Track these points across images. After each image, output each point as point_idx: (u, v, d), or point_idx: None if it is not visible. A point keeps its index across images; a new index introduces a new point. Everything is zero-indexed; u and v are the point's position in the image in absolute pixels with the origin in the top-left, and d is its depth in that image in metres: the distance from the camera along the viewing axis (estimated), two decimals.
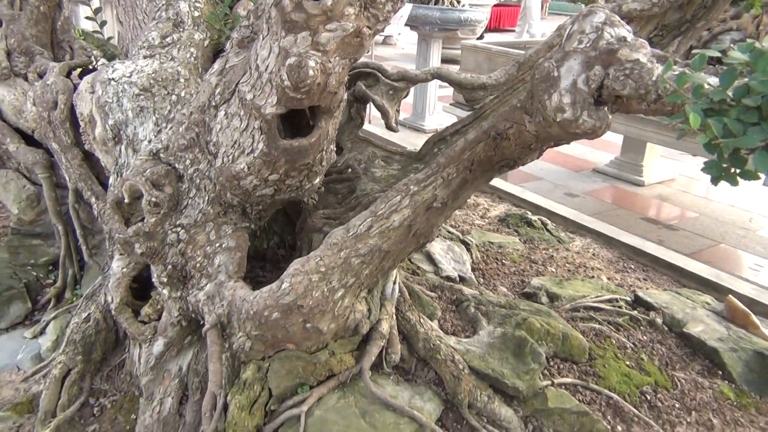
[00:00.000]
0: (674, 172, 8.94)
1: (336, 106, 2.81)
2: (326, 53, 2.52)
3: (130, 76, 3.63)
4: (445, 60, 13.12)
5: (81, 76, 4.38)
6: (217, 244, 3.11)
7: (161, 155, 3.11)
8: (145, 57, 3.82)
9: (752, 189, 8.43)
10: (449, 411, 3.38)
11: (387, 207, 2.94)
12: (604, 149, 9.15)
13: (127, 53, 4.32)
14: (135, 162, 3.13)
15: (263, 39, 2.61)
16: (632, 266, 5.69)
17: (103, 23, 4.88)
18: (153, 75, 3.63)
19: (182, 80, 3.70)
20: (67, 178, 4.09)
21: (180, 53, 3.85)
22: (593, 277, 5.31)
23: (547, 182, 7.58)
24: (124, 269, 3.28)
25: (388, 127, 3.76)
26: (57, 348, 3.94)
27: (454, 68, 3.74)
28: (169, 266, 3.17)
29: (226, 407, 3.02)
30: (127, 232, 3.03)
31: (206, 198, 3.07)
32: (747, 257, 6.54)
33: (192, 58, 3.88)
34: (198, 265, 3.12)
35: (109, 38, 4.94)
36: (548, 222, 6.35)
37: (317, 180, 3.10)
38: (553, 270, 5.42)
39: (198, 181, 3.07)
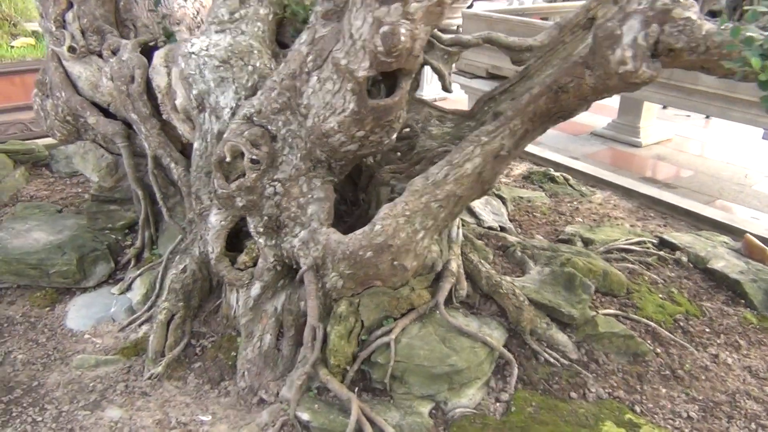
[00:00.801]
0: (670, 132, 9.29)
1: (416, 68, 3.19)
2: (414, 21, 2.90)
3: (208, 50, 3.98)
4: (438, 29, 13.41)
5: (144, 52, 4.71)
6: (309, 196, 3.51)
7: (254, 118, 3.49)
8: (216, 32, 4.16)
9: (747, 146, 8.87)
10: (512, 338, 3.83)
11: (461, 156, 3.34)
12: (600, 113, 9.39)
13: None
14: (231, 125, 3.51)
15: (356, 10, 2.98)
16: (651, 214, 6.15)
17: (156, 2, 5.19)
18: (229, 48, 3.98)
19: (255, 52, 4.06)
20: (146, 146, 4.46)
21: (248, 27, 4.19)
22: (618, 225, 5.75)
23: (547, 147, 7.93)
24: (223, 222, 3.68)
25: (444, 88, 4.15)
26: (146, 301, 4.36)
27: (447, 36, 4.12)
28: (265, 217, 3.57)
29: (325, 338, 3.45)
30: (230, 186, 3.43)
31: (298, 155, 3.46)
32: (744, 211, 6.91)
33: (260, 32, 4.23)
34: (292, 215, 3.53)
35: (164, 16, 5.25)
36: (569, 177, 6.78)
37: (394, 136, 3.49)
38: (580, 220, 5.86)
39: (290, 140, 3.46)
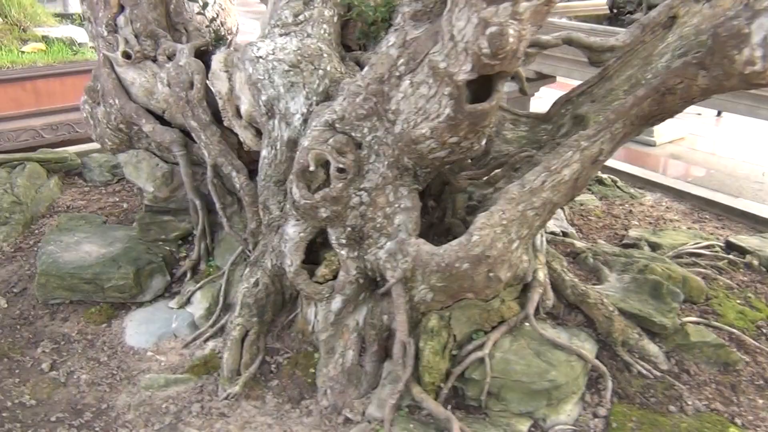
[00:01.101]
0: (683, 131, 9.18)
1: (514, 70, 3.04)
2: (522, 21, 2.74)
3: (275, 53, 3.82)
4: None
5: (197, 57, 4.54)
6: (396, 205, 3.35)
7: (337, 125, 3.33)
8: (281, 35, 4.00)
9: (761, 143, 8.72)
10: (602, 349, 3.67)
11: (560, 162, 3.19)
12: None
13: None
14: (312, 133, 3.35)
15: (459, 11, 2.82)
16: (707, 216, 6.00)
17: (205, 5, 5.02)
18: (298, 51, 3.82)
19: (325, 56, 3.90)
20: (206, 155, 4.30)
21: (314, 30, 4.04)
22: (680, 228, 5.60)
23: None
24: (302, 234, 3.51)
25: (522, 91, 4.00)
26: (209, 316, 4.19)
27: None
28: (348, 228, 3.41)
29: (416, 353, 3.29)
30: (314, 197, 3.27)
31: (385, 163, 3.30)
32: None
33: (326, 34, 4.08)
34: (377, 225, 3.37)
35: (212, 19, 5.08)
36: (617, 179, 6.63)
37: (484, 141, 3.34)
38: (636, 223, 5.72)
39: (376, 147, 3.30)
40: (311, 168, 3.26)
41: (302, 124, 3.79)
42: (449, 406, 3.34)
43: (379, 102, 3.23)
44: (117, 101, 4.39)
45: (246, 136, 4.18)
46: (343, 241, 3.44)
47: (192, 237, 4.84)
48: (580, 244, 4.65)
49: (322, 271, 3.57)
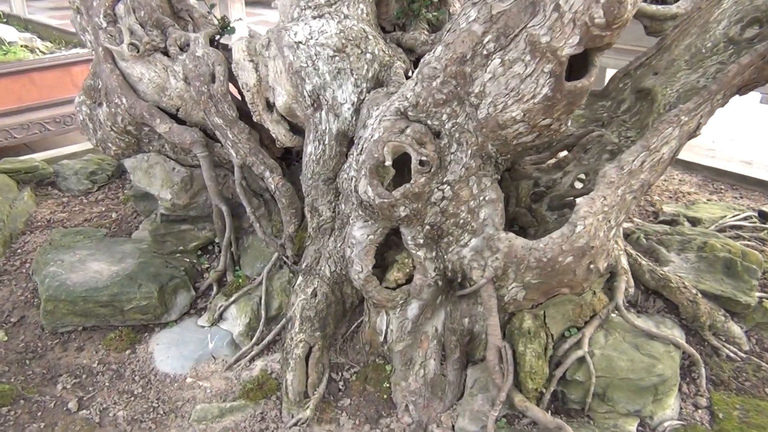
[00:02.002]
0: None
1: (614, 42, 2.78)
2: None
3: (317, 38, 3.44)
4: None
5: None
6: (481, 198, 3.05)
7: (410, 113, 2.99)
8: (314, 17, 3.61)
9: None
10: (688, 335, 3.49)
11: (659, 139, 2.96)
12: None
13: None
14: (382, 123, 2.99)
15: None
16: (722, 187, 5.95)
17: (212, 5, 4.54)
18: (341, 35, 3.45)
19: (371, 37, 3.54)
20: (233, 155, 3.87)
21: (351, 10, 3.67)
22: (694, 202, 5.50)
23: None
24: (371, 236, 3.16)
25: None
26: (251, 332, 3.80)
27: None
28: (427, 227, 3.09)
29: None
30: (393, 195, 2.92)
31: (468, 152, 2.98)
32: None
33: (364, 15, 3.71)
34: (460, 221, 3.05)
35: (212, 5, 4.60)
36: None
37: (569, 122, 3.06)
38: (657, 198, 5.59)
39: (457, 135, 2.97)
40: (387, 162, 2.91)
41: (353, 114, 3.43)
42: (549, 412, 3.08)
43: (460, 85, 2.90)
44: (124, 100, 3.89)
45: (279, 132, 3.78)
46: (420, 241, 3.11)
47: (213, 246, 4.39)
48: (627, 223, 4.46)
49: (394, 275, 3.23)
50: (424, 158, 2.88)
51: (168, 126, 3.87)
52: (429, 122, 2.99)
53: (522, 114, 2.82)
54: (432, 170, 2.92)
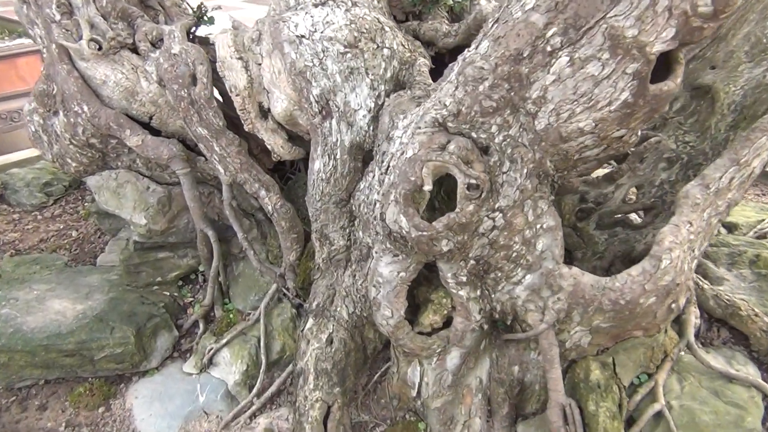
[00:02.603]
0: None
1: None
2: None
3: (321, 31, 2.84)
4: None
5: None
6: (538, 225, 2.51)
7: (449, 124, 2.42)
8: (316, 5, 3.01)
9: None
10: (761, 369, 3.03)
11: (751, 151, 2.46)
12: None
13: None
14: (417, 137, 2.41)
15: None
16: None
17: None
18: (353, 26, 2.86)
19: (387, 29, 2.95)
20: (221, 171, 3.25)
21: None
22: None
23: None
24: (402, 274, 2.60)
25: None
26: (249, 380, 3.21)
27: None
28: (471, 261, 2.54)
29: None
30: (435, 226, 2.36)
31: (524, 171, 2.43)
32: None
33: (375, 2, 3.12)
34: (513, 254, 2.51)
35: None
36: None
37: (639, 132, 2.54)
38: None
39: (510, 150, 2.42)
40: (427, 187, 2.34)
41: (370, 123, 2.85)
42: None
43: (514, 89, 2.34)
44: (86, 108, 3.22)
45: (276, 142, 3.18)
46: (463, 279, 2.56)
47: (197, 275, 3.77)
48: None
49: (429, 318, 2.68)
50: (473, 181, 2.32)
51: (140, 138, 3.22)
52: (474, 135, 2.43)
53: (593, 124, 2.29)
54: (482, 195, 2.36)
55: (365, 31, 2.86)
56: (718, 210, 2.48)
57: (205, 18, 3.68)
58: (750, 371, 2.90)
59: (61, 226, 4.94)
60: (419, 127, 2.45)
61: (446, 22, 3.30)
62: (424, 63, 2.94)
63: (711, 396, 2.66)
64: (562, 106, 2.31)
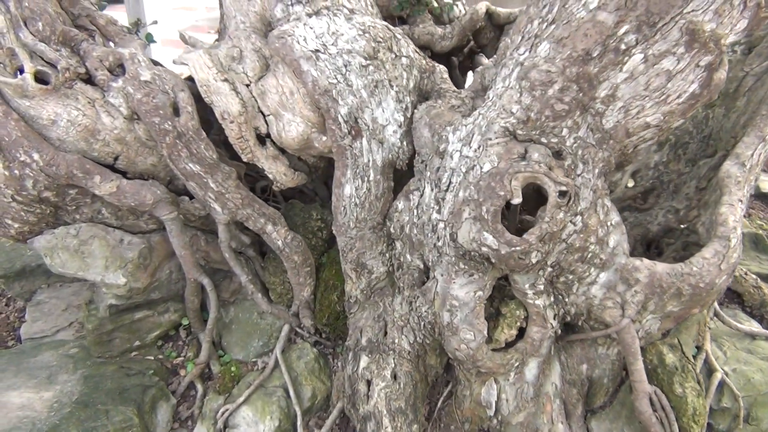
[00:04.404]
0: None
1: None
2: None
3: (335, 43, 2.59)
4: None
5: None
6: (608, 223, 2.50)
7: (518, 132, 2.31)
8: (310, 14, 2.74)
9: None
10: (761, 323, 3.34)
11: None
12: None
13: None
14: (491, 149, 2.27)
15: None
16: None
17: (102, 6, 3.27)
18: (367, 36, 2.64)
19: (399, 36, 2.76)
20: (217, 210, 2.84)
21: (352, 2, 2.85)
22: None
23: None
24: (480, 293, 2.47)
25: None
26: None
27: None
28: (549, 269, 2.48)
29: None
30: (527, 240, 2.26)
31: (595, 171, 2.40)
32: None
33: (370, 7, 2.91)
34: (588, 255, 2.49)
35: (101, 5, 3.31)
36: None
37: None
38: None
39: (580, 152, 2.37)
40: (517, 200, 2.23)
41: (402, 138, 2.67)
42: None
43: (583, 90, 2.31)
44: (36, 156, 2.62)
45: (278, 170, 2.86)
46: (541, 288, 2.50)
47: (176, 331, 3.29)
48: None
49: (505, 333, 2.58)
50: (563, 188, 2.26)
51: (114, 184, 2.71)
52: (544, 140, 2.36)
53: (661, 118, 2.34)
54: (570, 201, 2.31)
55: (381, 40, 2.66)
56: (750, 185, 2.66)
57: (145, 35, 3.19)
58: (754, 325, 3.18)
59: None
60: (489, 138, 2.33)
61: (433, 25, 3.17)
62: (444, 70, 2.80)
63: (750, 356, 2.88)
64: (631, 102, 2.32)
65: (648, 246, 3.19)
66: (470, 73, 3.69)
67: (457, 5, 3.33)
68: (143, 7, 10.49)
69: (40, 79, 2.63)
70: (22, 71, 2.62)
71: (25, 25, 2.66)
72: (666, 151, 3.25)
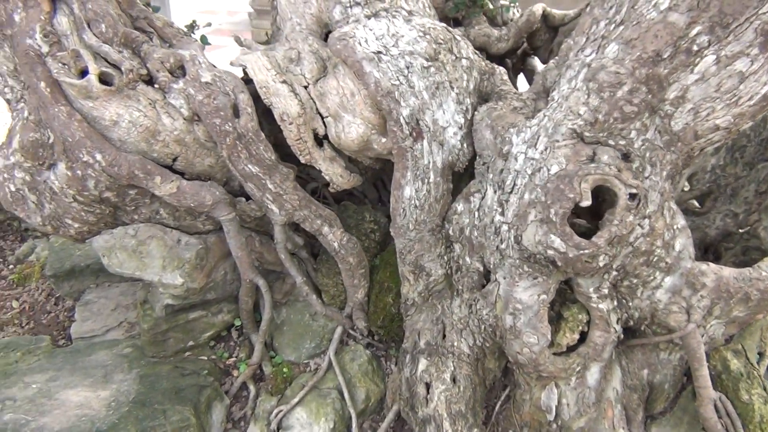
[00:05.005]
0: None
1: None
2: None
3: (396, 44, 2.59)
4: None
5: None
6: (675, 227, 2.48)
7: (586, 134, 2.30)
8: (368, 16, 2.74)
9: None
10: None
11: None
12: None
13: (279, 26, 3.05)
14: (560, 151, 2.25)
15: None
16: None
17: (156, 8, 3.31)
18: (428, 38, 2.63)
19: (458, 38, 2.76)
20: (274, 211, 2.85)
21: (410, 4, 2.85)
22: None
23: None
24: (543, 296, 2.45)
25: None
26: None
27: None
28: (614, 272, 2.46)
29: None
30: (596, 243, 2.24)
31: (663, 173, 2.38)
32: None
33: (428, 9, 2.91)
34: (654, 258, 2.46)
35: (154, 8, 3.34)
36: None
37: None
38: None
39: (648, 154, 2.35)
40: (586, 202, 2.21)
41: (462, 140, 2.66)
42: None
43: (652, 92, 2.28)
44: (99, 156, 2.65)
45: (334, 172, 2.87)
46: (605, 291, 2.48)
47: (228, 332, 3.30)
48: None
49: (567, 337, 2.55)
50: (634, 191, 2.23)
51: (175, 185, 2.73)
52: (611, 142, 2.33)
53: (731, 120, 2.30)
54: (639, 204, 2.28)
55: (442, 41, 2.65)
56: None
57: (200, 37, 3.22)
58: None
59: None
60: (556, 140, 2.31)
61: (488, 27, 3.16)
62: (503, 71, 2.79)
63: None
64: (701, 104, 2.29)
65: (705, 250, 3.14)
66: (521, 75, 3.67)
67: (513, 7, 3.32)
68: (169, 10, 10.58)
69: (102, 80, 2.65)
70: (85, 73, 2.64)
71: (89, 26, 2.69)
72: (723, 155, 3.21)
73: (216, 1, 14.79)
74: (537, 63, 3.61)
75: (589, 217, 2.51)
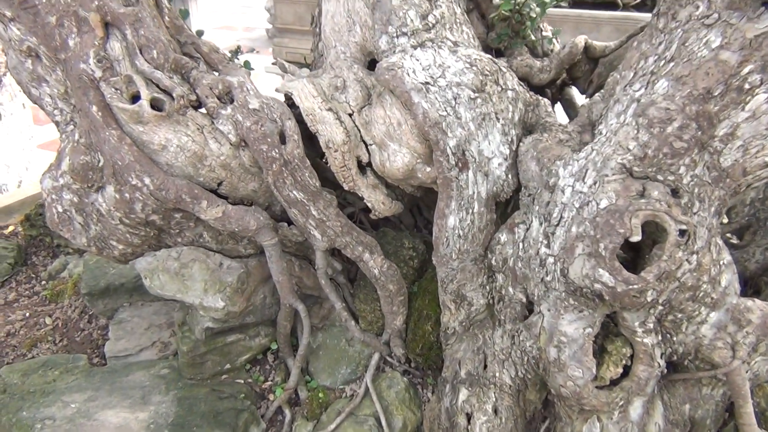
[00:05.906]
0: None
1: None
2: None
3: (446, 77, 2.62)
4: None
5: None
6: (721, 262, 2.48)
7: (635, 169, 2.31)
8: (414, 46, 2.78)
9: None
10: None
11: None
12: None
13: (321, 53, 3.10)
14: (610, 185, 2.27)
15: None
16: None
17: (185, 13, 3.38)
18: (475, 69, 2.66)
19: (504, 69, 2.79)
20: (316, 237, 2.87)
21: (456, 34, 2.88)
22: None
23: None
24: (589, 329, 2.45)
25: None
26: None
27: None
28: (659, 307, 2.46)
29: None
30: (645, 278, 2.24)
31: (711, 209, 2.39)
32: None
33: (471, 39, 2.94)
34: (700, 294, 2.46)
35: (199, 32, 3.42)
36: None
37: None
38: None
39: (697, 190, 2.36)
40: (636, 237, 2.22)
41: (507, 171, 2.68)
42: None
43: (702, 128, 2.30)
44: (148, 180, 2.68)
45: (377, 199, 2.89)
46: (650, 326, 2.47)
47: (264, 355, 3.32)
48: None
49: (611, 371, 2.54)
50: (683, 227, 2.24)
51: (221, 209, 2.76)
52: (660, 178, 2.34)
53: None
54: (689, 240, 2.29)
55: (488, 73, 2.68)
56: None
57: (243, 63, 3.27)
58: None
59: (27, 314, 4.20)
60: (605, 175, 2.33)
61: (530, 57, 3.19)
62: (548, 103, 2.82)
63: None
64: (751, 141, 2.30)
65: (745, 284, 3.13)
66: (558, 104, 3.70)
67: (555, 38, 3.36)
68: (190, 26, 10.68)
69: (153, 105, 2.69)
70: (136, 98, 2.69)
71: (141, 52, 2.74)
72: (762, 188, 3.21)
73: (234, 17, 15.01)
74: (574, 93, 3.64)
75: (625, 248, 2.51)
